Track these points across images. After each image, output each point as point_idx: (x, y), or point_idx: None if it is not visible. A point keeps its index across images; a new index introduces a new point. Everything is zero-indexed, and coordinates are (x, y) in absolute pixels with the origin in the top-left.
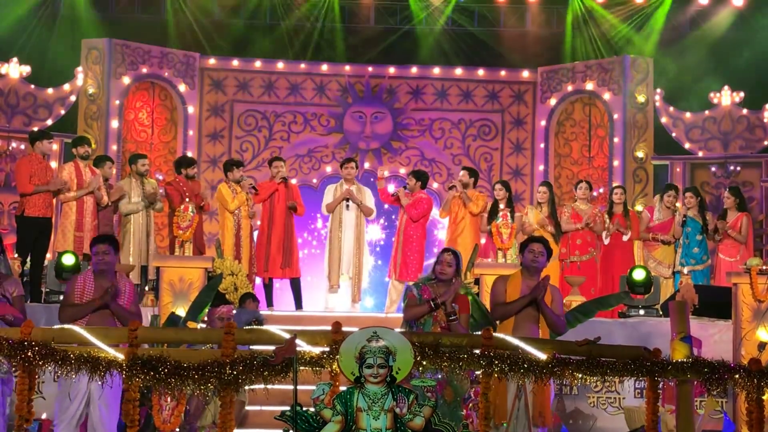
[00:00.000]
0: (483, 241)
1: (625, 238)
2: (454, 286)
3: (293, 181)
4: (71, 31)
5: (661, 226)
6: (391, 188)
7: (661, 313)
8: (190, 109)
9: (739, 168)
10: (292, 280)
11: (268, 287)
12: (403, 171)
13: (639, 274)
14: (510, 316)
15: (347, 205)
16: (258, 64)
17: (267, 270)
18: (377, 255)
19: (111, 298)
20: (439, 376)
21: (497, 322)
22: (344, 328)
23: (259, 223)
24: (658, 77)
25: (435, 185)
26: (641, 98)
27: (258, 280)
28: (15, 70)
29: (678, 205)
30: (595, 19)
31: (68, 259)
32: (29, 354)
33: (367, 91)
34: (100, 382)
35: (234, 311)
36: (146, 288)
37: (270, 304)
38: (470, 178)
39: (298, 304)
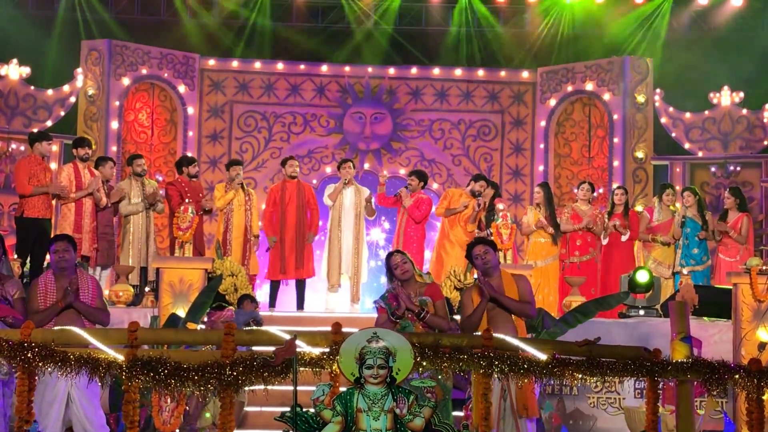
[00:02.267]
0: None
1: (623, 238)
2: (402, 298)
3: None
4: (71, 32)
5: (661, 227)
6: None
7: (661, 313)
8: (190, 110)
9: (738, 168)
10: (300, 280)
11: (274, 288)
12: (402, 172)
13: (642, 276)
14: (477, 325)
15: (345, 183)
16: (258, 65)
17: (284, 272)
18: (377, 256)
19: (73, 297)
20: (426, 375)
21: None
22: (344, 329)
23: (260, 223)
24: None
25: (435, 186)
26: (641, 98)
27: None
28: (15, 71)
29: (678, 205)
30: (594, 19)
31: None
32: (29, 355)
33: (366, 91)
34: (78, 383)
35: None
36: (146, 289)
37: (272, 305)
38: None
39: (300, 305)
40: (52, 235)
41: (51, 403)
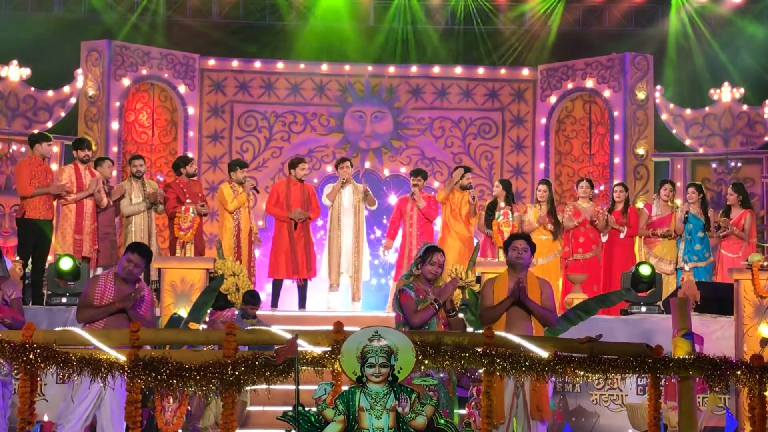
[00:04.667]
0: (482, 239)
1: (621, 235)
2: (452, 284)
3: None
4: (71, 33)
5: (660, 222)
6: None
7: (662, 309)
8: (191, 110)
9: (739, 164)
10: (302, 280)
11: (276, 288)
12: (404, 170)
13: (645, 270)
14: (497, 318)
15: (342, 183)
16: (258, 64)
17: (287, 272)
18: (375, 255)
19: (131, 303)
20: (443, 375)
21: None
22: (346, 328)
23: (261, 223)
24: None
25: (436, 184)
26: (641, 95)
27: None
28: (15, 72)
29: (678, 201)
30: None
31: (65, 264)
32: (31, 356)
33: (367, 90)
34: (111, 385)
35: (237, 312)
36: None
37: (274, 304)
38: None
39: (302, 304)
40: (53, 237)
41: (81, 401)
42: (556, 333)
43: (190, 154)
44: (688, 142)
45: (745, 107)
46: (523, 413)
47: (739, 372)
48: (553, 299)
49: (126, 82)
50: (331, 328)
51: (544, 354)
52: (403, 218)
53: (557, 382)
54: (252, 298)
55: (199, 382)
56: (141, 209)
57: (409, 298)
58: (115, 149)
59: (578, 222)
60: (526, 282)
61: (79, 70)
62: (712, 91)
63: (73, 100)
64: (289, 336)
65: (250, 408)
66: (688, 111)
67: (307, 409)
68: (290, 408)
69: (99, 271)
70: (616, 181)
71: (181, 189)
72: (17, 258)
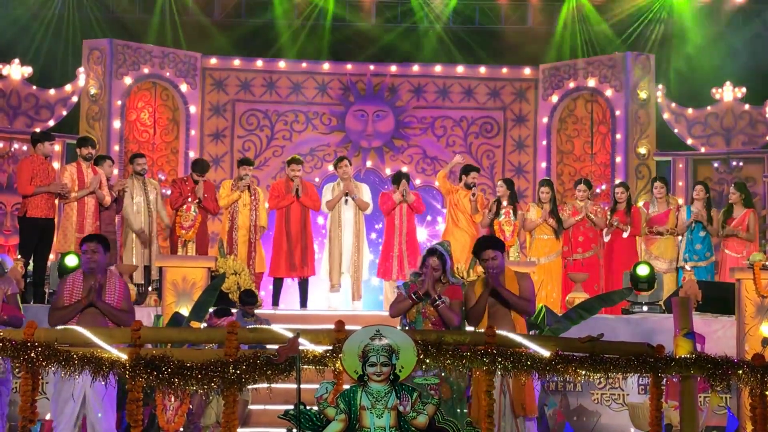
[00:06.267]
0: None
1: (624, 234)
2: (430, 273)
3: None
4: (73, 32)
5: (658, 218)
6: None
7: (664, 309)
8: (192, 109)
9: (741, 163)
10: (302, 278)
11: (277, 286)
12: (405, 169)
13: (643, 270)
14: (482, 314)
15: (346, 200)
16: (259, 63)
17: (287, 270)
18: (375, 254)
19: (95, 296)
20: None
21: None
22: (347, 327)
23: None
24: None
25: (437, 183)
26: (643, 94)
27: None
28: (17, 71)
29: (680, 200)
30: (595, 14)
31: (71, 261)
32: (32, 355)
33: (368, 89)
34: (94, 383)
35: (235, 312)
36: (149, 288)
37: (276, 302)
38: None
39: (303, 303)
40: (55, 236)
41: (67, 400)
42: (557, 332)
43: (192, 153)
44: (689, 141)
45: (747, 106)
46: (510, 412)
47: (740, 371)
48: (532, 291)
49: (128, 80)
50: (332, 326)
51: (545, 353)
52: (390, 211)
53: (558, 381)
54: (249, 298)
55: (200, 381)
56: (140, 209)
57: (399, 295)
58: (116, 148)
59: (578, 218)
60: (503, 278)
61: (81, 69)
62: (714, 90)
63: (74, 99)
64: (290, 335)
65: (251, 407)
66: (690, 110)
67: (308, 407)
68: (292, 407)
69: None
70: (617, 181)
71: (185, 186)
72: (19, 256)
